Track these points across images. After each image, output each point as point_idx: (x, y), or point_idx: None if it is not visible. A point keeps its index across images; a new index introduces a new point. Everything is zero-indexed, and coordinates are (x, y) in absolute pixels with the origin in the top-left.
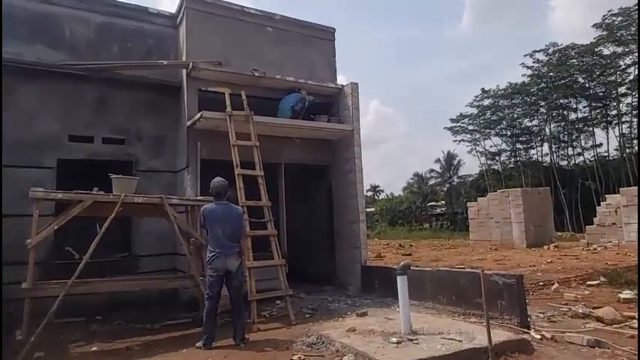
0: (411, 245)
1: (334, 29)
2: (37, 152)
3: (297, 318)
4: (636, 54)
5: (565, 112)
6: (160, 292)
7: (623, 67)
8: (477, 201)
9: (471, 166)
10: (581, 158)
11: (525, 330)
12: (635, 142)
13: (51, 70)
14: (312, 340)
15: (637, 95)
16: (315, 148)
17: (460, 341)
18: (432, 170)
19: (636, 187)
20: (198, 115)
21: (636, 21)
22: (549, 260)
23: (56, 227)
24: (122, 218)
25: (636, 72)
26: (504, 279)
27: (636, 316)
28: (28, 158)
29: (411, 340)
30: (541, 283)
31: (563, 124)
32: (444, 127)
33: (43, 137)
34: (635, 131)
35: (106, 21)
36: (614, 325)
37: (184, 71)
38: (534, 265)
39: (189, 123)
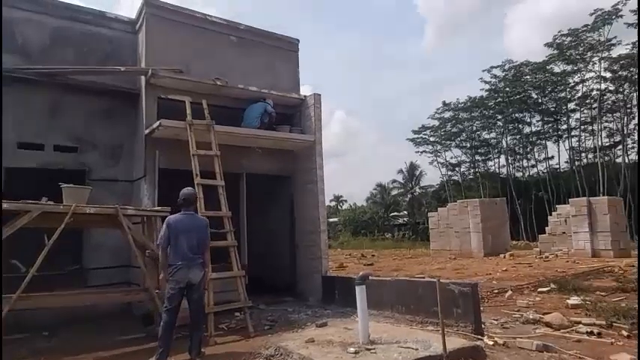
0: (373, 255)
1: (298, 40)
2: None
3: (256, 330)
4: (584, 72)
5: (520, 126)
6: (113, 306)
7: (572, 84)
8: (437, 211)
9: (432, 176)
10: (535, 170)
11: (479, 337)
12: (584, 154)
13: (1, 74)
14: (270, 352)
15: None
16: (277, 159)
17: (417, 349)
18: (394, 181)
19: (584, 198)
20: (157, 123)
21: (583, 41)
22: (504, 268)
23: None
24: (73, 229)
25: (584, 89)
26: (460, 287)
27: (582, 322)
28: None
29: (369, 349)
30: (496, 291)
31: (518, 137)
32: (407, 139)
33: None
34: (583, 145)
35: (62, 25)
36: (562, 330)
37: (143, 78)
38: (490, 274)
39: (147, 131)
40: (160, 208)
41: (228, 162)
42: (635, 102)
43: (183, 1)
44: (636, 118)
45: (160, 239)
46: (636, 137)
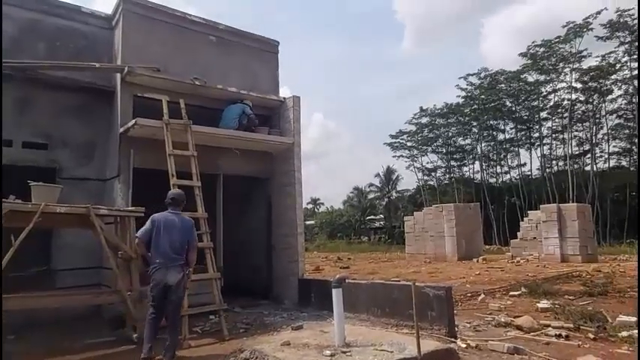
0: (349, 258)
1: (278, 42)
2: None
3: (231, 333)
4: (556, 82)
5: (494, 133)
6: (81, 309)
7: (545, 93)
8: (413, 215)
9: (408, 181)
10: (508, 176)
11: (452, 339)
12: (554, 162)
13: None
14: (245, 356)
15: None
16: (254, 160)
17: (392, 352)
18: (371, 184)
19: (554, 205)
20: (133, 122)
21: (556, 52)
22: (477, 272)
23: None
24: (42, 229)
25: (555, 99)
26: (434, 291)
27: (551, 325)
28: None
29: (345, 352)
30: (469, 294)
31: (492, 143)
32: (384, 143)
33: None
34: (554, 153)
35: (33, 17)
36: (532, 333)
37: (119, 76)
38: (464, 277)
39: (122, 130)
40: (134, 208)
41: (205, 163)
42: (603, 113)
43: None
44: (604, 128)
45: (140, 232)
46: (605, 147)
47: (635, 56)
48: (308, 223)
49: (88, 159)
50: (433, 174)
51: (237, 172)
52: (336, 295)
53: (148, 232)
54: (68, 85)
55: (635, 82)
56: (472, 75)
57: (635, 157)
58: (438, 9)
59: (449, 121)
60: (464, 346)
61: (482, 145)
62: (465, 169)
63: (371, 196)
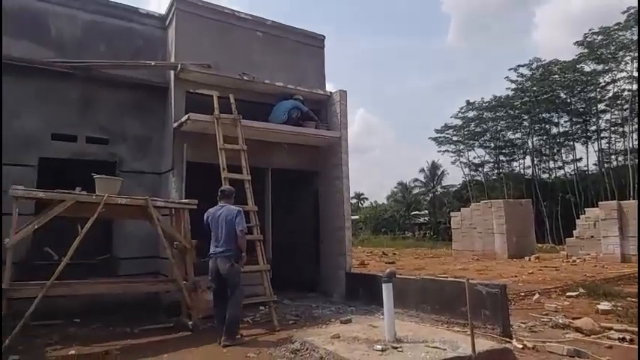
0: (394, 253)
1: (324, 36)
2: (19, 149)
3: (280, 324)
4: (615, 72)
5: (547, 126)
6: (142, 296)
7: (603, 84)
8: (459, 211)
9: (454, 176)
10: (562, 172)
11: (508, 339)
12: (613, 157)
13: (37, 66)
14: (296, 347)
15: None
16: (302, 154)
17: (444, 350)
18: (416, 180)
19: (614, 202)
20: (185, 117)
21: (615, 40)
22: (530, 271)
23: (36, 227)
24: (104, 219)
25: (615, 89)
26: (488, 289)
27: (614, 328)
28: (9, 155)
29: (396, 347)
30: (522, 294)
31: (545, 137)
32: (429, 138)
33: (26, 135)
34: (613, 147)
35: (94, 19)
36: (593, 336)
37: (172, 73)
38: (516, 276)
39: (175, 125)
40: (187, 200)
41: (254, 157)
42: None
43: None
44: None
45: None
46: None
47: None
48: (352, 218)
49: (145, 153)
50: (480, 169)
51: (286, 166)
52: (386, 289)
53: (205, 226)
54: (126, 82)
55: None
56: (523, 66)
57: None
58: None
59: (497, 114)
60: (520, 346)
61: (534, 139)
62: (515, 164)
63: (415, 191)
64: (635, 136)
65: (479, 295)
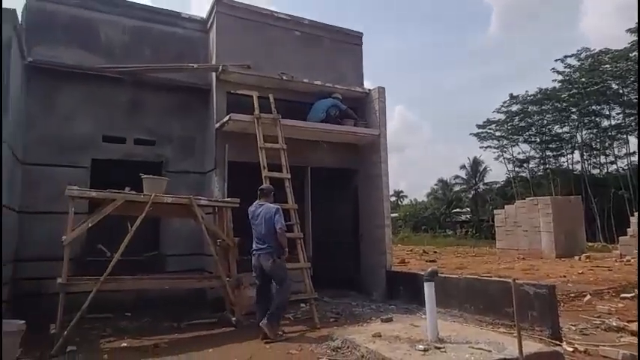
0: (435, 252)
1: (362, 34)
2: (73, 152)
3: (321, 322)
4: None
5: (597, 119)
6: (187, 292)
7: None
8: (504, 209)
9: (497, 173)
10: (614, 167)
11: (557, 342)
12: None
13: (87, 72)
14: (337, 344)
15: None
16: (341, 152)
17: (489, 351)
18: (456, 176)
19: None
20: (227, 117)
21: None
22: (580, 271)
23: (90, 225)
24: (151, 218)
25: None
26: (536, 289)
27: None
28: (64, 158)
29: (439, 348)
30: (572, 295)
31: (595, 131)
32: (470, 133)
33: (79, 138)
34: None
35: (140, 25)
36: None
37: (214, 74)
38: (565, 276)
39: (217, 125)
40: (230, 199)
41: (293, 155)
42: None
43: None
44: None
45: None
46: None
47: None
48: (392, 215)
49: (189, 153)
50: (525, 165)
51: (325, 164)
52: (428, 288)
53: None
54: (171, 85)
55: None
56: (571, 56)
57: None
58: None
59: (543, 107)
60: (570, 350)
61: (583, 132)
62: (563, 159)
63: (456, 188)
64: None
65: (526, 296)
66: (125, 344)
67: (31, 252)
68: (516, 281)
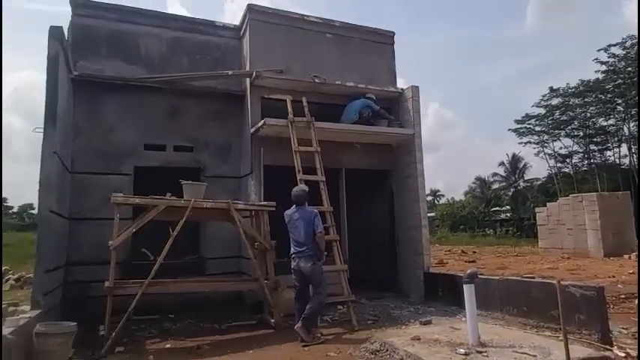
0: (474, 252)
1: (393, 33)
2: (117, 160)
3: (359, 324)
4: None
5: None
6: (227, 294)
7: None
8: (546, 206)
9: (538, 169)
10: None
11: (607, 347)
12: None
13: (128, 83)
14: (375, 347)
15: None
16: (375, 153)
17: (534, 356)
18: (495, 174)
19: None
20: (261, 122)
21: None
22: (631, 271)
23: (134, 230)
24: (191, 222)
25: None
26: (582, 291)
27: None
28: (109, 166)
29: (480, 352)
30: (623, 296)
31: None
32: (509, 129)
33: (122, 146)
34: None
35: (177, 36)
36: None
37: (248, 80)
38: (614, 276)
39: (252, 130)
40: (266, 203)
41: (327, 157)
42: None
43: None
44: None
45: None
46: None
47: None
48: (429, 215)
49: (226, 158)
50: (568, 160)
51: (359, 166)
52: (468, 291)
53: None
54: (206, 93)
55: None
56: (615, 45)
57: None
58: None
59: (586, 100)
60: (622, 355)
61: (631, 125)
62: (609, 153)
63: (495, 186)
64: None
65: (572, 298)
66: (169, 345)
67: (80, 256)
68: (561, 282)
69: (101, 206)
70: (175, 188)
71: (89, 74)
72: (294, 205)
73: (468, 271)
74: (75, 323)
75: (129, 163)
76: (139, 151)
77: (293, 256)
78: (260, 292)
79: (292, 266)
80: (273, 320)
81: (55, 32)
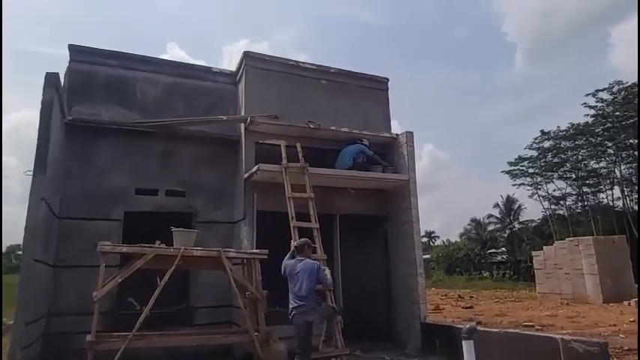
0: (472, 296)
1: (387, 79)
2: (107, 205)
3: None
4: None
5: (636, 153)
6: (215, 346)
7: None
8: (542, 249)
9: (532, 210)
10: None
11: None
12: None
13: (122, 127)
14: None
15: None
16: (369, 199)
17: None
18: (490, 215)
19: None
20: (255, 167)
21: None
22: (632, 319)
23: (120, 280)
24: (181, 270)
25: None
26: (586, 346)
27: None
28: (99, 211)
29: None
30: (626, 348)
31: (635, 165)
32: (502, 171)
33: (113, 191)
34: None
35: (173, 81)
36: None
37: (242, 125)
38: (615, 325)
39: (246, 175)
40: (258, 250)
41: (321, 203)
42: None
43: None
44: None
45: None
46: None
47: None
48: (424, 257)
49: (218, 204)
50: (562, 202)
51: (353, 212)
52: (467, 347)
53: (283, 275)
54: (201, 137)
55: None
56: (602, 90)
57: None
58: (554, 25)
59: (577, 143)
60: None
61: (622, 167)
62: (602, 195)
63: (490, 227)
64: None
65: (574, 354)
66: None
67: (64, 306)
68: (564, 338)
69: (88, 252)
70: (166, 234)
71: (83, 119)
72: (294, 256)
73: (467, 326)
74: None
75: (119, 208)
76: (130, 196)
77: (294, 312)
78: (250, 345)
79: (294, 322)
80: None
81: (50, 79)
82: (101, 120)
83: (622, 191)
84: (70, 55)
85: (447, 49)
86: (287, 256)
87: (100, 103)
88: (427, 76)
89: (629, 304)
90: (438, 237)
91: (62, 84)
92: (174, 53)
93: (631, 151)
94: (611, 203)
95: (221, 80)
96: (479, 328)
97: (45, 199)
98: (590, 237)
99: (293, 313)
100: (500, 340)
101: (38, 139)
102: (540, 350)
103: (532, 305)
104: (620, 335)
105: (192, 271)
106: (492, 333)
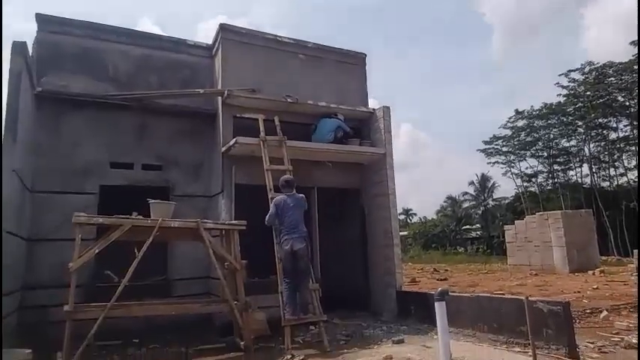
0: (446, 270)
1: (365, 55)
2: (81, 179)
3: (331, 344)
4: None
5: (605, 132)
6: (195, 316)
7: None
8: (514, 224)
9: (506, 188)
10: (624, 179)
11: None
12: None
13: (94, 100)
14: None
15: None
16: (347, 172)
17: None
18: (465, 193)
19: None
20: (233, 140)
21: None
22: (595, 286)
23: (97, 251)
24: (159, 242)
25: None
26: (550, 306)
27: None
28: (72, 185)
29: None
30: (588, 311)
31: (603, 143)
32: (477, 150)
33: (87, 164)
34: None
35: (146, 53)
36: None
37: (220, 99)
38: (579, 292)
39: (224, 149)
40: (237, 222)
41: (299, 176)
42: None
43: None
44: None
45: (268, 217)
46: None
47: None
48: (401, 234)
49: (196, 177)
50: (534, 180)
51: (331, 185)
52: (439, 308)
53: (276, 215)
54: (177, 111)
55: None
56: (574, 70)
57: None
58: (530, 5)
59: (549, 122)
60: None
61: (591, 145)
62: (571, 173)
63: (466, 205)
64: None
65: (540, 313)
66: None
67: (39, 279)
68: (529, 299)
69: (62, 226)
70: (144, 208)
71: (54, 90)
72: (284, 191)
73: (439, 289)
74: (30, 350)
75: (94, 181)
76: (105, 170)
77: (286, 238)
78: (229, 314)
79: (285, 249)
80: (243, 343)
81: (18, 47)
82: (73, 92)
83: (590, 168)
84: (37, 25)
85: (426, 30)
86: (275, 196)
87: (71, 75)
88: (406, 56)
89: (593, 274)
90: (416, 214)
91: (30, 54)
92: (147, 29)
93: (600, 130)
94: (580, 180)
95: (196, 53)
96: (452, 293)
97: (16, 171)
98: (559, 211)
99: (285, 239)
100: (471, 304)
101: (7, 110)
102: (508, 311)
103: (503, 276)
104: (584, 300)
105: (171, 244)
106: (465, 297)
